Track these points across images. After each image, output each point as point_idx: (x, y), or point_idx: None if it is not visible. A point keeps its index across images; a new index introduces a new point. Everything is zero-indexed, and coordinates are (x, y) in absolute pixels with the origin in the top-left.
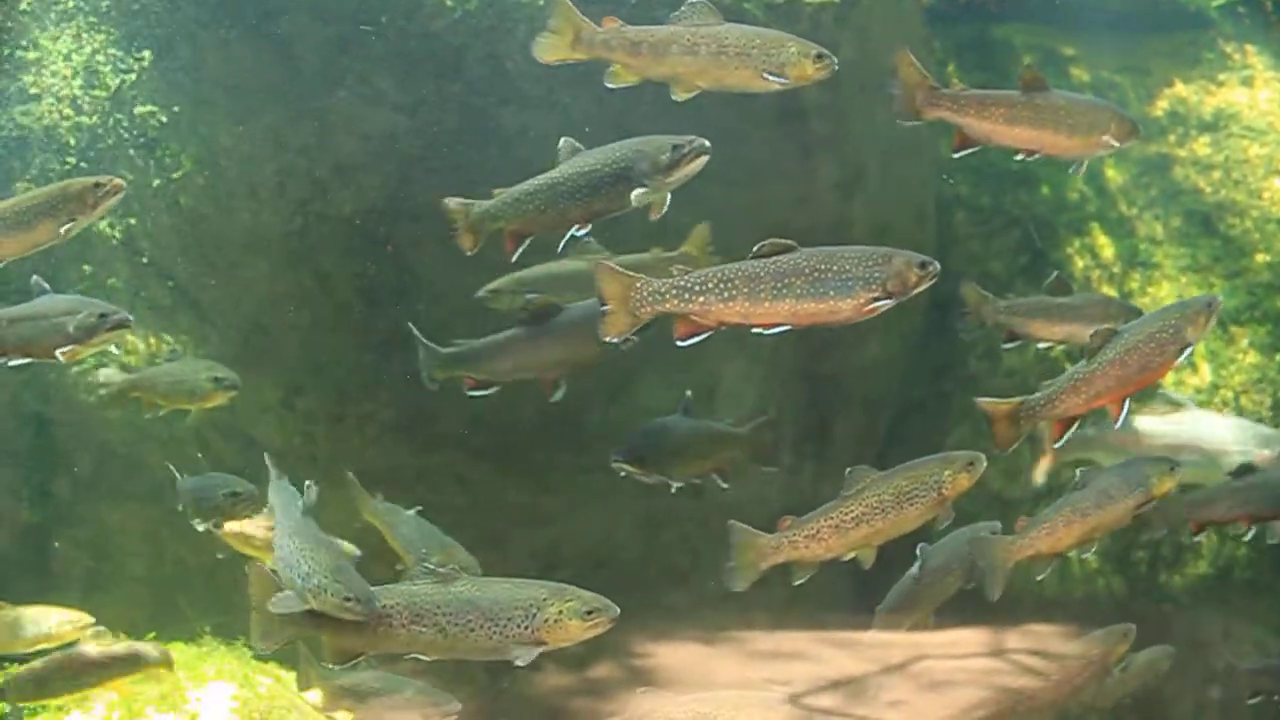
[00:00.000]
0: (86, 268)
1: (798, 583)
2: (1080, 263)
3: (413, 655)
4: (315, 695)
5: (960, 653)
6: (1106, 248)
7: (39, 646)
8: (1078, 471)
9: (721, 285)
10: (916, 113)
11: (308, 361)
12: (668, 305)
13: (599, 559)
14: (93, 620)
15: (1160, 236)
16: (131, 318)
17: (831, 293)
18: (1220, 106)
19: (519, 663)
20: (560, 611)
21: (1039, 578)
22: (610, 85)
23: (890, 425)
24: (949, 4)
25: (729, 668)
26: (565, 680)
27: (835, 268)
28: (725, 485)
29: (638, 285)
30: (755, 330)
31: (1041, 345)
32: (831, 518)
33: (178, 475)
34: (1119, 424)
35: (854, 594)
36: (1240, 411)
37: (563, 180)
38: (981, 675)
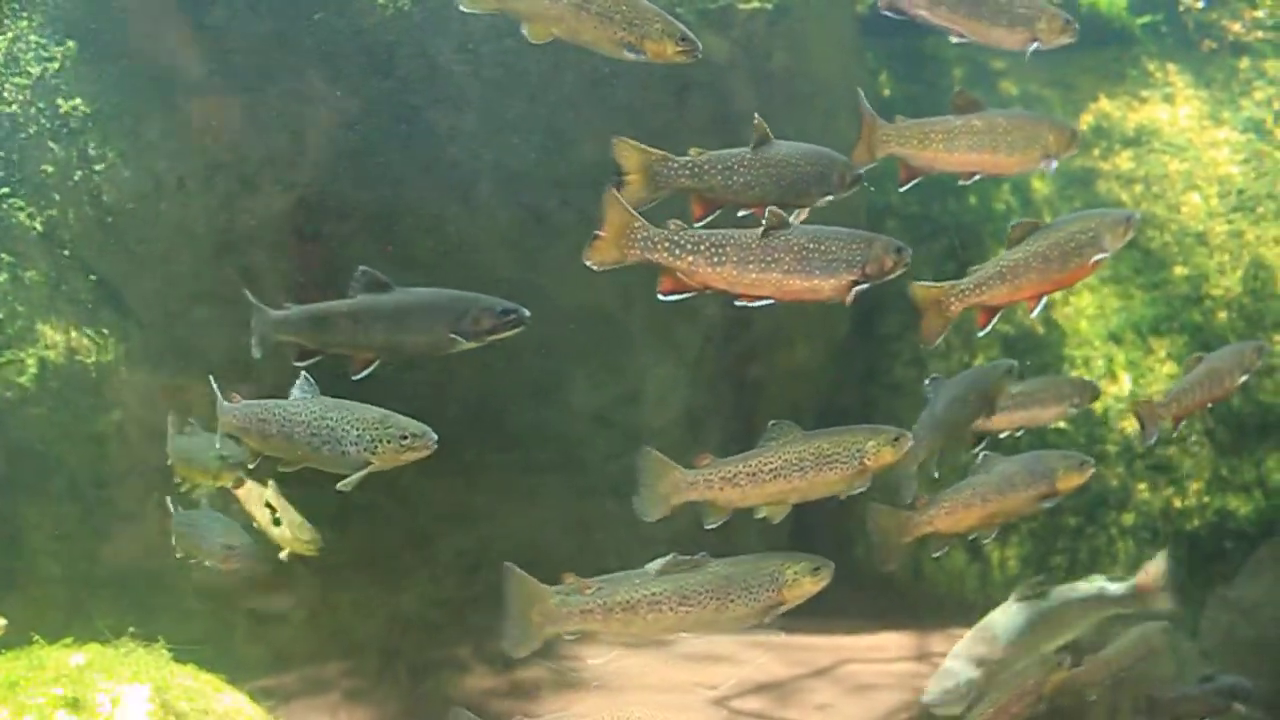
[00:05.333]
0: (5, 257)
1: (710, 526)
2: None
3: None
4: None
5: (885, 656)
6: None
7: None
8: (980, 456)
9: (713, 249)
10: (872, 156)
11: (233, 358)
12: (657, 255)
13: (528, 559)
14: (4, 621)
15: None
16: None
17: (817, 271)
18: (1142, 122)
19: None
20: (796, 572)
21: (935, 555)
22: (463, 7)
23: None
24: (882, 15)
25: (656, 670)
26: (490, 682)
27: (822, 248)
28: None
29: (636, 226)
30: (738, 302)
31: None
32: (750, 464)
33: (172, 507)
34: (1034, 314)
35: None
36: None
37: (771, 163)
38: (906, 679)
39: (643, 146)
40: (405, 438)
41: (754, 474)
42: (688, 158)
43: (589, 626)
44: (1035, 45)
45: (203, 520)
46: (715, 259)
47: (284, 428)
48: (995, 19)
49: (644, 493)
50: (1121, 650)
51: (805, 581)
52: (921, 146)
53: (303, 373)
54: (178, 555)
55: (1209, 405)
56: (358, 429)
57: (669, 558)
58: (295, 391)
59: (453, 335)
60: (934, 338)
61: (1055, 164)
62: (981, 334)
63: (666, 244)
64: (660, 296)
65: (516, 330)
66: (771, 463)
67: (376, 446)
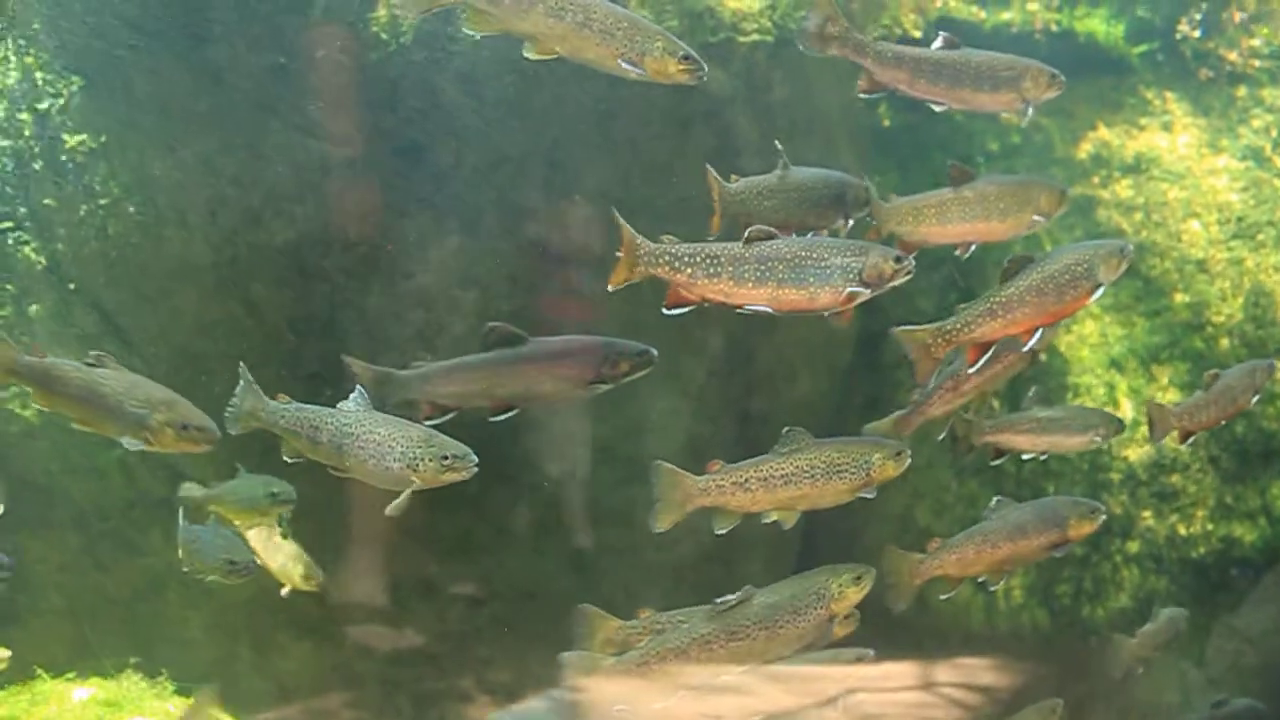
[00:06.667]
0: (10, 290)
1: (720, 531)
2: None
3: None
4: None
5: (891, 686)
6: None
7: None
8: (994, 499)
9: (709, 261)
10: (881, 235)
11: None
12: (659, 270)
13: (530, 590)
14: (9, 654)
15: None
16: None
17: (812, 280)
18: (1141, 150)
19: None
20: (840, 585)
21: (943, 598)
22: (467, 30)
23: None
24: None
25: (660, 701)
26: (492, 713)
27: (815, 256)
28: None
29: (639, 243)
30: (738, 310)
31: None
32: (761, 470)
33: (181, 520)
34: (1026, 348)
35: None
36: (1159, 447)
37: (794, 187)
38: (913, 709)
39: (719, 178)
40: (447, 458)
41: (766, 479)
42: (736, 184)
43: (649, 676)
44: (1026, 105)
45: (207, 535)
46: (711, 271)
47: (335, 437)
48: (979, 85)
49: (659, 503)
50: (1159, 628)
51: (850, 592)
52: (916, 222)
53: (359, 385)
54: (184, 569)
55: (1221, 422)
56: (403, 445)
57: (743, 591)
58: (349, 404)
59: (594, 382)
60: (926, 379)
61: (1047, 220)
62: (972, 370)
63: (666, 258)
64: (665, 311)
65: (648, 369)
66: (783, 469)
67: (419, 464)
